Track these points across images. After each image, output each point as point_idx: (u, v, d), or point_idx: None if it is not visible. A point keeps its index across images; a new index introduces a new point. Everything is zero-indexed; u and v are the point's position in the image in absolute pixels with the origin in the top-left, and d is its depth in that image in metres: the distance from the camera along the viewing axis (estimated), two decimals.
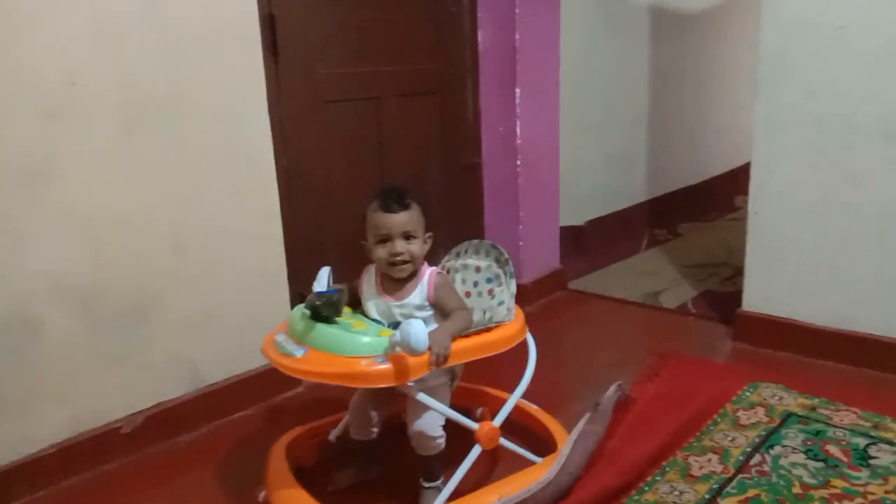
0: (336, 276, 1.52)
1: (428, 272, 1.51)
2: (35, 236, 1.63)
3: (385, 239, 1.45)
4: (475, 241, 1.66)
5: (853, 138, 2.05)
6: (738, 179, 4.09)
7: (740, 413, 1.85)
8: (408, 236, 1.45)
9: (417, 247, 1.47)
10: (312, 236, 2.22)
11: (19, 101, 1.58)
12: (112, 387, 1.80)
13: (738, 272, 2.41)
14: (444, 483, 1.49)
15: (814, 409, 1.85)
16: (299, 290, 2.08)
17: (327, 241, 2.26)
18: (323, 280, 1.50)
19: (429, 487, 1.51)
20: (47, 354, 1.68)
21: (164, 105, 1.79)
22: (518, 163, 2.65)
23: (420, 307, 1.49)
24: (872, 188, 2.04)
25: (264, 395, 2.07)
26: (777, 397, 1.91)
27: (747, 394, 1.94)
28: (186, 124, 1.84)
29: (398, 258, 1.45)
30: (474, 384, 1.80)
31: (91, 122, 1.68)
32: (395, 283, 1.50)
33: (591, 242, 3.25)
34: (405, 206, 1.46)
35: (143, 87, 1.75)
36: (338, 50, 2.22)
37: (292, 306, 1.85)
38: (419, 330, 1.26)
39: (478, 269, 1.64)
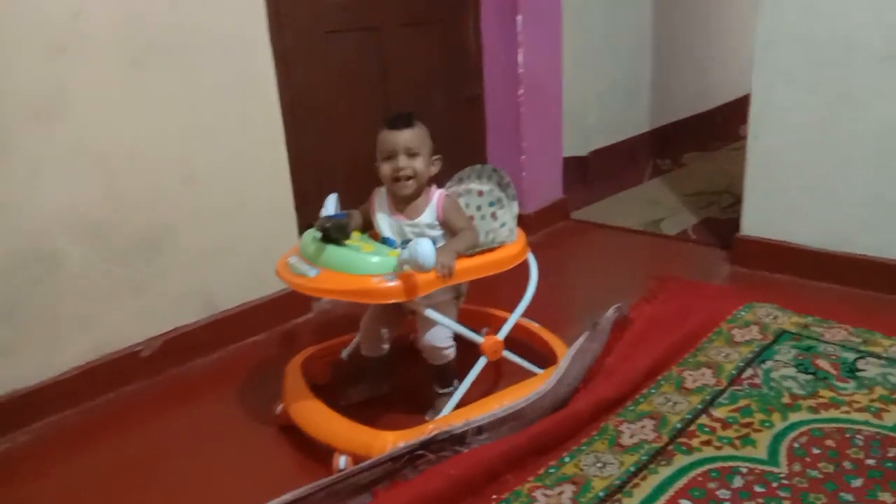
0: (342, 206, 1.58)
1: (437, 193, 1.58)
2: (50, 171, 1.68)
3: (390, 156, 1.52)
4: (477, 166, 1.71)
5: (853, 59, 2.05)
6: (743, 109, 4.06)
7: (735, 331, 1.91)
8: (411, 153, 1.52)
9: (420, 164, 1.53)
10: (318, 168, 2.25)
11: (28, 37, 1.60)
12: (130, 314, 1.87)
13: (739, 200, 2.44)
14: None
15: (806, 326, 1.92)
16: (307, 221, 2.12)
17: (333, 173, 2.29)
18: (330, 206, 1.56)
19: (442, 393, 1.60)
20: (67, 284, 1.75)
21: (167, 36, 1.80)
22: (520, 93, 2.65)
23: (431, 226, 1.56)
24: (871, 110, 2.05)
25: (276, 321, 2.15)
26: (771, 316, 1.98)
27: (742, 313, 2.00)
28: (190, 55, 1.85)
29: (401, 173, 1.51)
30: (478, 306, 1.86)
31: (98, 56, 1.71)
32: (405, 202, 1.57)
33: (594, 173, 3.27)
34: (409, 125, 1.52)
35: (146, 18, 1.76)
36: None
37: (300, 236, 1.91)
38: (426, 248, 1.31)
39: (480, 193, 1.68)
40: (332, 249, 1.45)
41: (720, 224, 2.76)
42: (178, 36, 1.82)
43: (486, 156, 2.79)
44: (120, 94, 1.76)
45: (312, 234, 1.51)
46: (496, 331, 1.64)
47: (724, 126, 4.09)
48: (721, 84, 4.10)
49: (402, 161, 1.51)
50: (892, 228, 2.10)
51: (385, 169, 1.53)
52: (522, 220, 1.68)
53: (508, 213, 1.62)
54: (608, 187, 3.26)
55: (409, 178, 1.52)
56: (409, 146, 1.51)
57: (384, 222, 1.58)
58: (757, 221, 2.34)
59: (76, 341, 1.79)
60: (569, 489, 1.36)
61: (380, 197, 1.61)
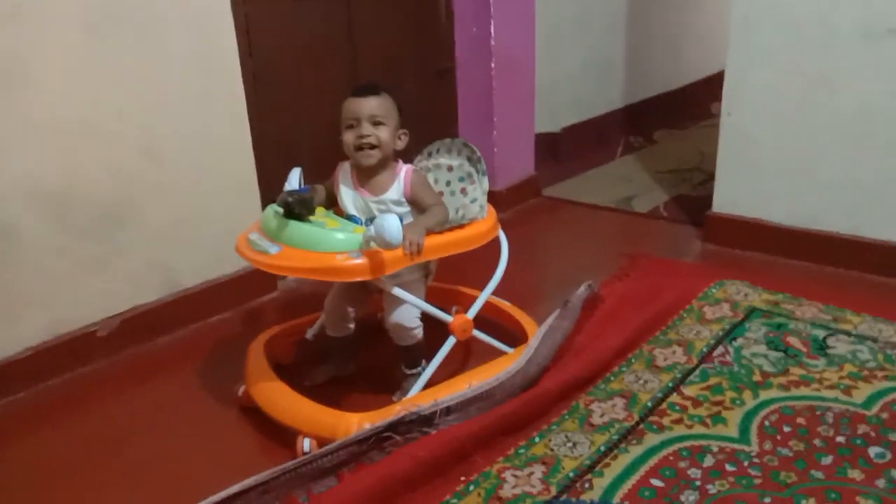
0: (307, 181, 1.52)
1: (404, 169, 1.52)
2: (4, 141, 1.60)
3: (353, 123, 1.46)
4: (447, 141, 1.66)
5: (830, 39, 2.03)
6: (714, 86, 4.04)
7: (706, 308, 1.90)
8: (376, 122, 1.45)
9: (385, 134, 1.46)
10: (282, 142, 2.19)
11: None
12: (88, 291, 1.80)
13: (710, 177, 2.43)
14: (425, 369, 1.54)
15: (777, 303, 1.92)
16: (271, 197, 2.06)
17: (298, 147, 2.22)
18: (294, 180, 1.50)
19: (410, 374, 1.56)
20: (23, 259, 1.68)
21: (125, 2, 1.72)
22: (492, 66, 2.59)
23: (397, 202, 1.50)
24: (846, 91, 2.04)
25: (240, 299, 2.09)
26: (742, 294, 1.97)
27: (713, 291, 2.00)
28: (149, 23, 1.77)
29: (364, 141, 1.45)
30: (448, 284, 1.83)
31: (54, 24, 1.63)
32: (370, 177, 1.51)
33: (566, 149, 3.23)
34: (375, 93, 1.46)
35: None
36: None
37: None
38: (393, 224, 1.27)
39: (450, 168, 1.64)
40: (294, 225, 1.39)
41: (692, 201, 2.75)
42: (137, 2, 1.74)
43: (457, 131, 2.73)
44: (77, 64, 1.68)
45: (274, 209, 1.45)
46: (466, 309, 1.60)
47: (696, 103, 4.08)
48: (694, 61, 4.08)
49: (366, 128, 1.45)
50: (865, 209, 2.10)
51: (348, 137, 1.47)
52: (493, 197, 1.64)
53: (479, 189, 1.58)
54: (580, 164, 3.23)
55: (372, 146, 1.46)
56: (374, 114, 1.45)
57: (348, 198, 1.52)
58: (729, 199, 2.33)
59: (31, 320, 1.72)
60: (539, 469, 1.34)
61: (344, 171, 1.55)
